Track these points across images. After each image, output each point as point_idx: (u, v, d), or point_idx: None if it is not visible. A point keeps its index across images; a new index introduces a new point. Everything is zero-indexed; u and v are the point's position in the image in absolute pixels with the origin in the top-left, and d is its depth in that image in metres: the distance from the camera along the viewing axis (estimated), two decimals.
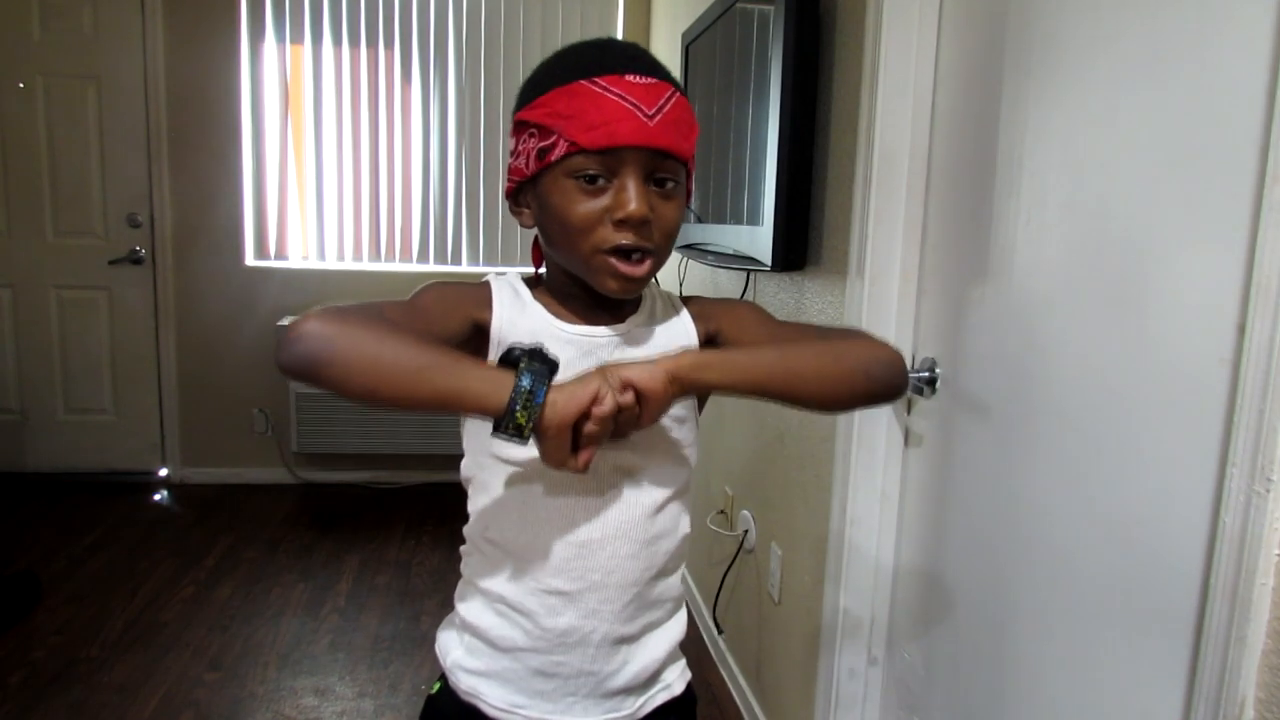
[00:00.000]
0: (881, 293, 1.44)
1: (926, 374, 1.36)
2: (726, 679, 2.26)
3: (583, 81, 0.79)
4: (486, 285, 0.90)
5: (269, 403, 3.70)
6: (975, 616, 1.26)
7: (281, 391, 3.64)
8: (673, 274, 2.76)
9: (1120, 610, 0.97)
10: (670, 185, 0.82)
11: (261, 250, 3.66)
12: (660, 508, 0.88)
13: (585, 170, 0.79)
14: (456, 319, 0.83)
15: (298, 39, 3.56)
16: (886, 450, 1.48)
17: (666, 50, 3.19)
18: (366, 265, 3.70)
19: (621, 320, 0.90)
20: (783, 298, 1.88)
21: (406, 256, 3.72)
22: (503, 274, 0.93)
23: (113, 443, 3.68)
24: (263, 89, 3.56)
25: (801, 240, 1.69)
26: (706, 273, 2.47)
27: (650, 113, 0.78)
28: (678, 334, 0.92)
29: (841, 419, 1.53)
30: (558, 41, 3.64)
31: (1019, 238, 1.16)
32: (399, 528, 3.31)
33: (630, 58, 0.80)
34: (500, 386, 0.68)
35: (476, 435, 0.87)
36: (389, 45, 3.60)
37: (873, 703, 1.55)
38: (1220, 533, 0.79)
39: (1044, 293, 1.11)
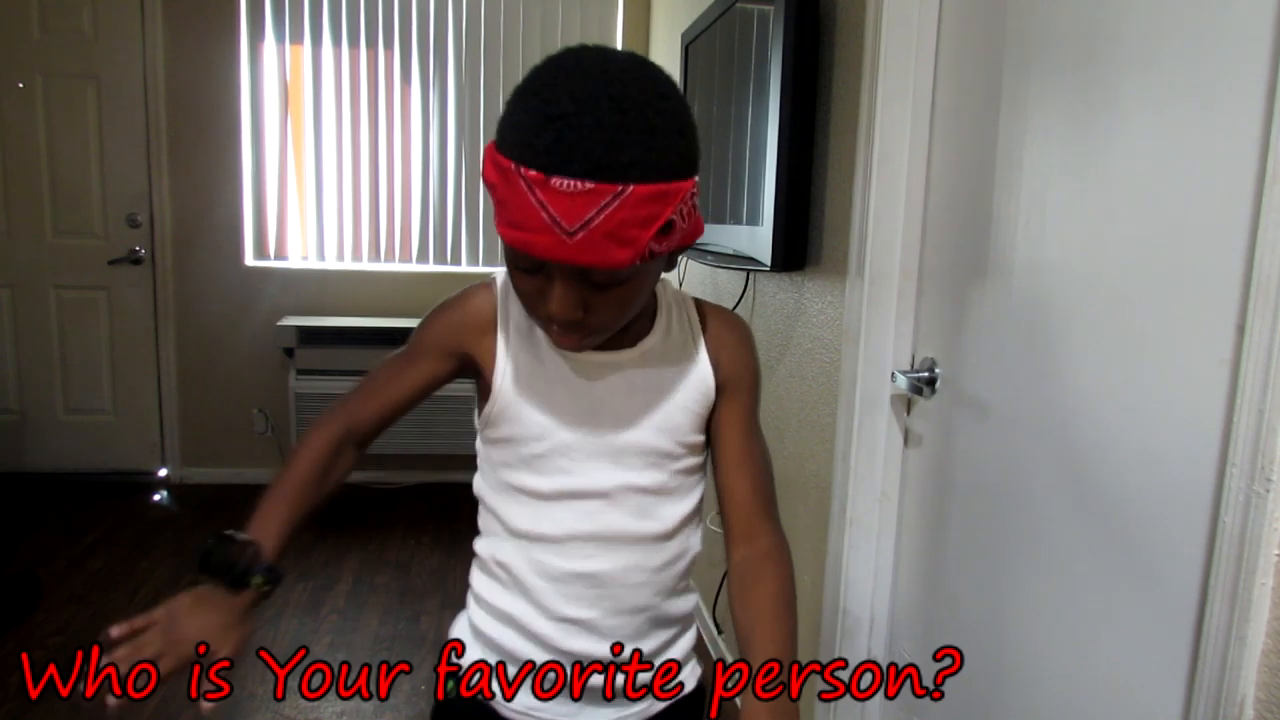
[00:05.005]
0: (881, 293, 1.44)
1: (926, 374, 1.36)
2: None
3: (514, 165, 0.68)
4: (490, 298, 0.88)
5: (269, 403, 3.70)
6: (975, 616, 1.26)
7: (281, 391, 3.64)
8: (673, 274, 2.76)
9: (1120, 610, 0.97)
10: (613, 284, 0.74)
11: (261, 250, 3.66)
12: (671, 534, 0.88)
13: (517, 258, 0.74)
14: (446, 364, 0.88)
15: (297, 39, 3.55)
16: (886, 450, 1.48)
17: (666, 50, 3.19)
18: (366, 265, 3.70)
19: (632, 343, 0.86)
20: (782, 298, 1.89)
21: (406, 257, 3.72)
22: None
23: (112, 443, 3.68)
24: (262, 89, 3.56)
25: (801, 240, 1.69)
26: (707, 273, 2.47)
27: (571, 229, 0.67)
28: (691, 378, 0.88)
29: (840, 419, 1.53)
30: (557, 42, 3.64)
31: (1019, 238, 1.16)
32: (399, 528, 3.31)
33: (569, 148, 0.66)
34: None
35: (490, 458, 0.89)
36: (389, 45, 3.60)
37: (873, 702, 1.55)
38: (1220, 533, 0.79)
39: (1044, 293, 1.11)
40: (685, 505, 0.89)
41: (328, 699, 2.13)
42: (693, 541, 0.91)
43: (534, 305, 0.77)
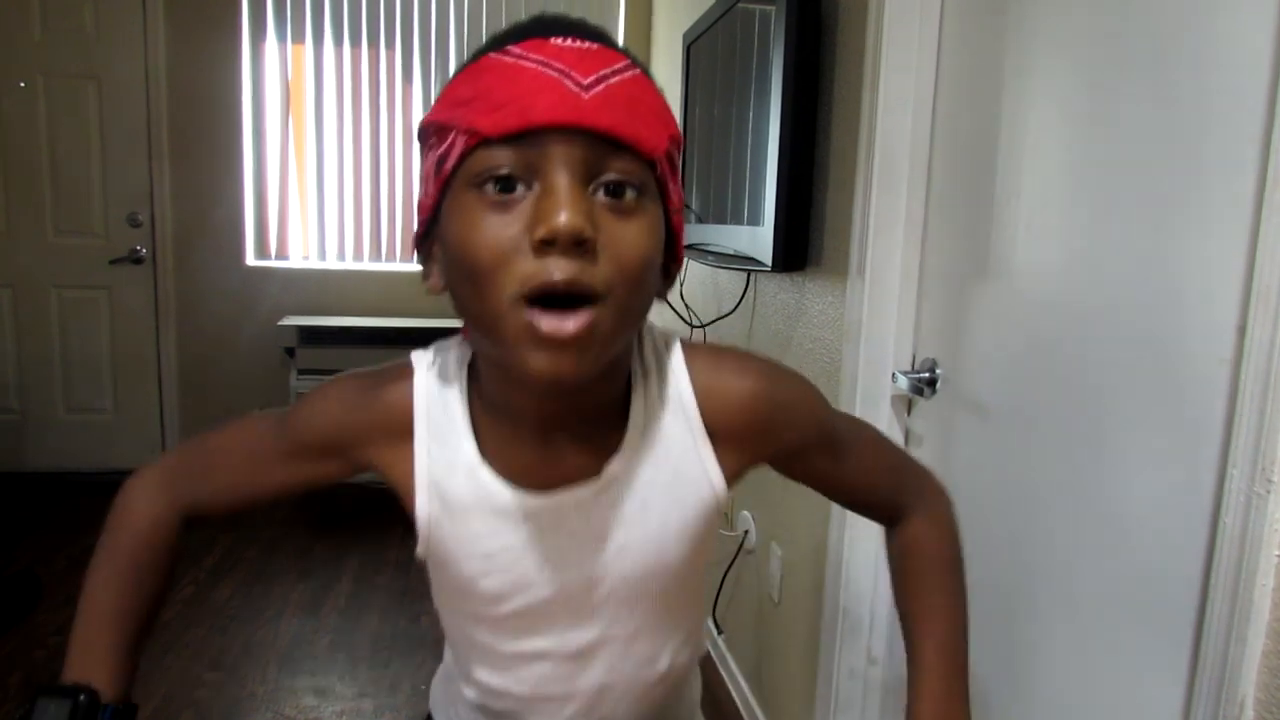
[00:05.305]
0: (881, 293, 1.44)
1: (926, 374, 1.36)
2: (726, 679, 2.26)
3: (492, 55, 0.55)
4: (404, 393, 0.66)
5: (269, 403, 3.69)
6: (975, 617, 1.26)
7: (281, 392, 3.64)
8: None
9: (1120, 610, 0.97)
10: (630, 195, 0.54)
11: (262, 250, 3.66)
12: (673, 668, 0.73)
13: (492, 171, 0.53)
14: (333, 465, 0.68)
15: (298, 39, 3.56)
16: None
17: (667, 50, 3.19)
18: (367, 265, 3.70)
19: (604, 454, 0.63)
20: (783, 298, 1.89)
21: (407, 256, 3.72)
22: (434, 364, 0.67)
23: (113, 442, 3.68)
24: (263, 89, 3.57)
25: (802, 240, 1.69)
26: (707, 273, 2.47)
27: (584, 81, 0.53)
28: (689, 479, 0.65)
29: None
30: None
31: (1019, 238, 1.16)
32: (399, 528, 3.30)
33: (566, 25, 0.55)
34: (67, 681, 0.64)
35: (435, 582, 0.73)
36: (389, 45, 3.60)
37: (873, 703, 1.55)
38: (1220, 533, 0.79)
39: (1044, 293, 1.11)
40: (688, 624, 0.73)
41: (328, 699, 2.13)
42: (698, 650, 0.77)
43: (510, 259, 0.52)
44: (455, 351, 0.67)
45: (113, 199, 3.55)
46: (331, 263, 3.68)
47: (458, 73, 0.58)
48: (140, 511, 0.71)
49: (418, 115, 3.63)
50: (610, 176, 0.54)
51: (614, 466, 0.63)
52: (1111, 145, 0.99)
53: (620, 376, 0.64)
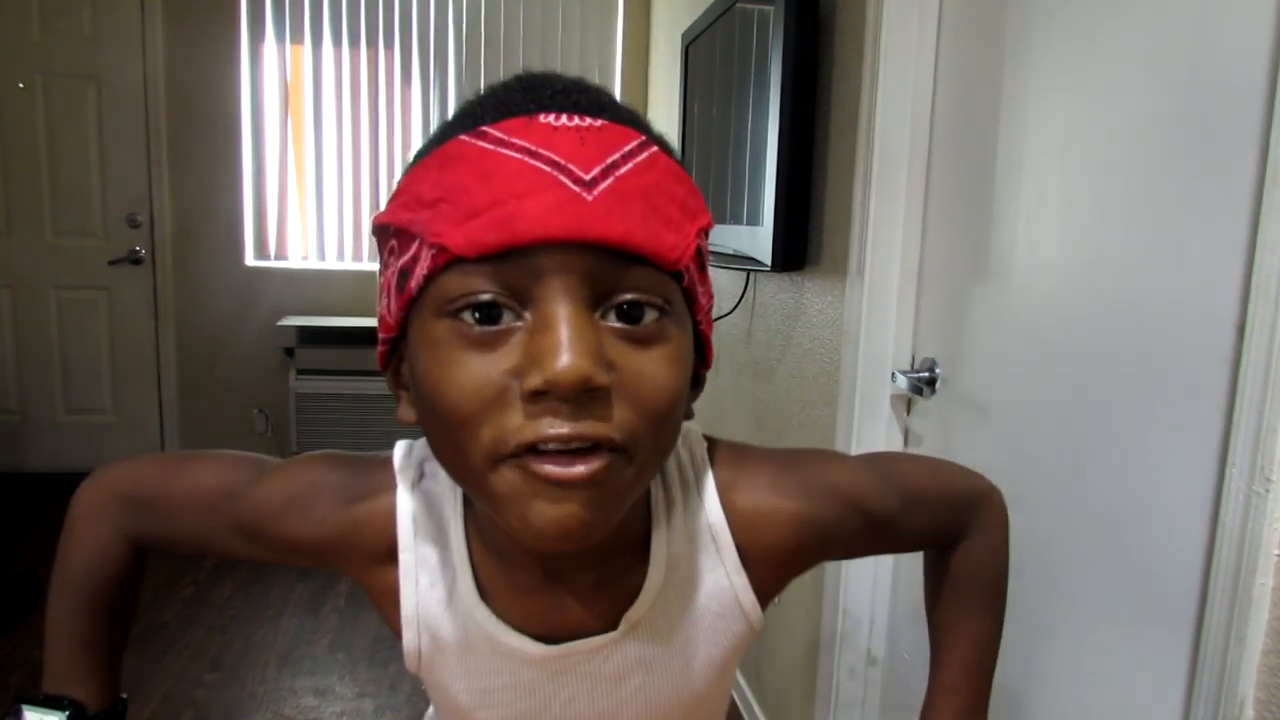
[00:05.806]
0: (881, 293, 1.44)
1: (926, 374, 1.37)
2: None
3: (464, 137, 0.44)
4: (386, 510, 0.56)
5: (269, 403, 3.70)
6: None
7: (281, 391, 3.64)
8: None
9: (1120, 610, 0.97)
10: (650, 316, 0.44)
11: (261, 250, 3.66)
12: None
13: (469, 299, 0.42)
14: (294, 560, 0.60)
15: (298, 39, 3.56)
16: (886, 450, 1.48)
17: (665, 50, 3.19)
18: (366, 265, 3.70)
19: (621, 600, 0.55)
20: (782, 298, 1.89)
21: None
22: (421, 480, 0.57)
23: (112, 443, 3.67)
24: (262, 89, 3.56)
25: (801, 240, 1.69)
26: None
27: (587, 176, 0.42)
28: (720, 615, 0.57)
29: (840, 419, 1.53)
30: (557, 42, 3.64)
31: (1019, 237, 1.16)
32: None
33: (558, 94, 0.45)
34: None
35: (430, 695, 0.67)
36: (389, 46, 3.60)
37: (873, 703, 1.55)
38: (1220, 533, 0.79)
39: (1044, 293, 1.11)
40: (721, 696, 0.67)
41: (328, 699, 2.13)
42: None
43: (494, 409, 0.42)
44: None
45: (111, 199, 3.55)
46: (331, 263, 3.68)
47: (421, 155, 0.48)
48: (93, 542, 0.65)
49: (417, 115, 3.63)
50: (624, 296, 0.43)
51: (633, 615, 0.55)
52: (1110, 145, 0.99)
53: (639, 513, 0.54)
